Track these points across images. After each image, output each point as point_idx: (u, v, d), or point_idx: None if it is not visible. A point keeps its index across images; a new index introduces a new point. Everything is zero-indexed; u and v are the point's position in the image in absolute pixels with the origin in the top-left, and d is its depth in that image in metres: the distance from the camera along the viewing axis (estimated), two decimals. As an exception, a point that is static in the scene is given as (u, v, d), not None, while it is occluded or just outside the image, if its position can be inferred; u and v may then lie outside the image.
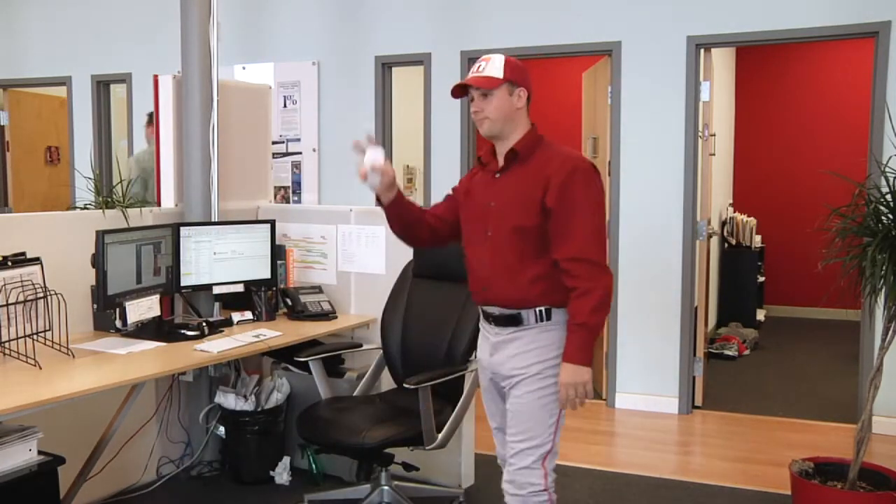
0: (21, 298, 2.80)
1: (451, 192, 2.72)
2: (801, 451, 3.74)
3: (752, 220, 7.80)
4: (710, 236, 5.18)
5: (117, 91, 6.64)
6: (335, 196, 5.77)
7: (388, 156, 5.66)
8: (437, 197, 5.43)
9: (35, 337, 2.85)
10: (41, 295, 2.86)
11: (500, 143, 2.52)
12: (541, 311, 2.42)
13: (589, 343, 2.37)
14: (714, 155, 5.44)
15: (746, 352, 6.58)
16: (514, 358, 2.46)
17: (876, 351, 3.28)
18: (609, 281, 2.39)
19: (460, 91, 2.54)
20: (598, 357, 5.36)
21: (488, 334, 2.57)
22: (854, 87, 7.55)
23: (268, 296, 3.75)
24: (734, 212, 7.91)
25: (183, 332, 3.34)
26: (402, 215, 2.58)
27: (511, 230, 2.42)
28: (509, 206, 2.44)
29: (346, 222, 3.96)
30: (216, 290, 3.68)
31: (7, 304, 2.76)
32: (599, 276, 2.36)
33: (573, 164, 2.41)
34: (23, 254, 2.92)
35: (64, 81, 6.69)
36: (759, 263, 7.82)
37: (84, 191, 4.43)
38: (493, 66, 2.45)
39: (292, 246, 4.04)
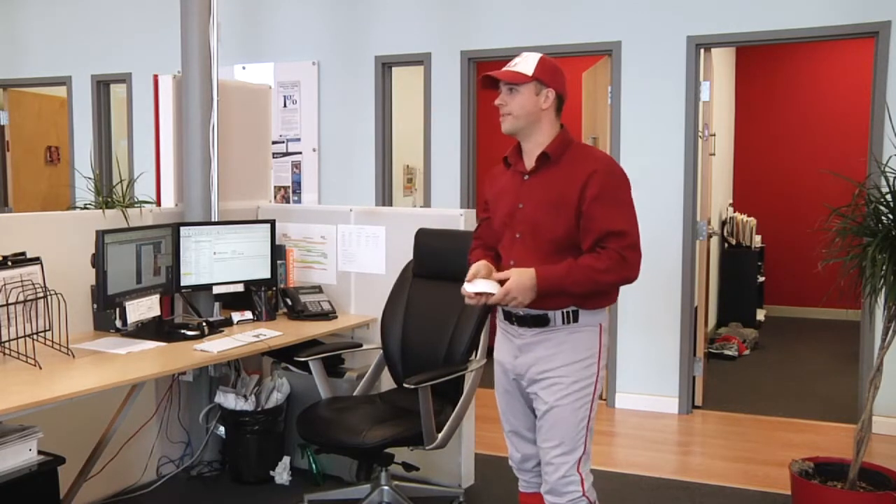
0: (21, 298, 2.80)
1: (484, 211, 2.66)
2: (801, 451, 3.74)
3: (752, 220, 7.80)
4: (710, 236, 5.18)
5: (117, 91, 6.64)
6: (335, 196, 5.77)
7: (388, 156, 5.69)
8: (437, 197, 5.44)
9: (35, 337, 2.85)
10: (41, 295, 2.86)
11: (525, 142, 2.49)
12: (568, 312, 2.40)
13: (557, 287, 2.32)
14: (714, 155, 5.44)
15: (746, 352, 6.58)
16: (542, 360, 2.44)
17: (876, 351, 3.28)
18: (637, 256, 2.35)
19: (489, 82, 2.49)
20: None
21: (511, 336, 2.53)
22: (854, 87, 7.55)
23: (268, 296, 3.74)
24: (734, 212, 7.91)
25: (183, 332, 3.34)
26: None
27: (540, 232, 2.41)
28: (539, 208, 2.41)
29: (346, 222, 3.96)
30: (216, 289, 3.68)
31: (7, 304, 2.76)
32: (628, 245, 2.33)
33: (607, 167, 2.41)
34: (23, 254, 2.92)
35: (64, 81, 6.69)
36: (759, 263, 7.81)
37: (84, 191, 4.44)
38: (525, 63, 2.42)
39: (292, 246, 4.04)
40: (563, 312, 2.40)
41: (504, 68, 2.46)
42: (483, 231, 2.68)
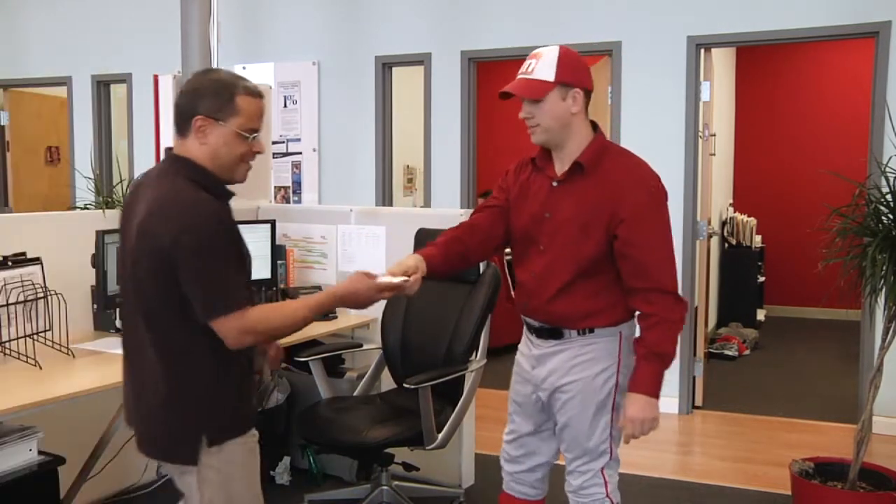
0: (21, 298, 2.80)
1: (496, 199, 2.45)
2: (801, 451, 3.74)
3: (752, 220, 7.80)
4: (710, 236, 5.18)
5: (117, 91, 6.64)
6: (335, 196, 5.77)
7: (388, 156, 5.69)
8: (437, 197, 5.44)
9: (35, 337, 2.85)
10: (41, 295, 2.86)
11: (558, 150, 2.28)
12: (586, 329, 2.30)
13: (662, 375, 2.24)
14: (714, 155, 5.44)
15: (746, 352, 6.58)
16: (556, 373, 2.34)
17: (876, 351, 3.28)
18: (684, 312, 2.25)
19: (507, 95, 2.25)
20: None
21: (531, 346, 2.44)
22: (854, 87, 7.54)
23: (268, 296, 3.74)
24: (734, 212, 7.90)
25: (183, 332, 3.33)
26: (445, 271, 2.39)
27: (568, 251, 2.24)
28: (569, 222, 2.24)
29: (346, 222, 3.96)
30: (216, 290, 3.67)
31: (7, 304, 2.76)
32: (675, 306, 2.22)
33: (646, 185, 2.24)
34: (23, 254, 2.92)
35: (64, 81, 6.69)
36: (759, 263, 7.81)
37: (84, 191, 4.44)
38: (544, 66, 2.18)
39: (292, 246, 4.04)
40: (580, 329, 2.31)
41: (520, 73, 2.23)
42: (480, 219, 2.44)
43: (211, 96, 1.92)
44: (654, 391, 2.24)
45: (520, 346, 2.53)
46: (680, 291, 2.29)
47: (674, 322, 2.23)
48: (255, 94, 1.97)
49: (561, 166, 2.29)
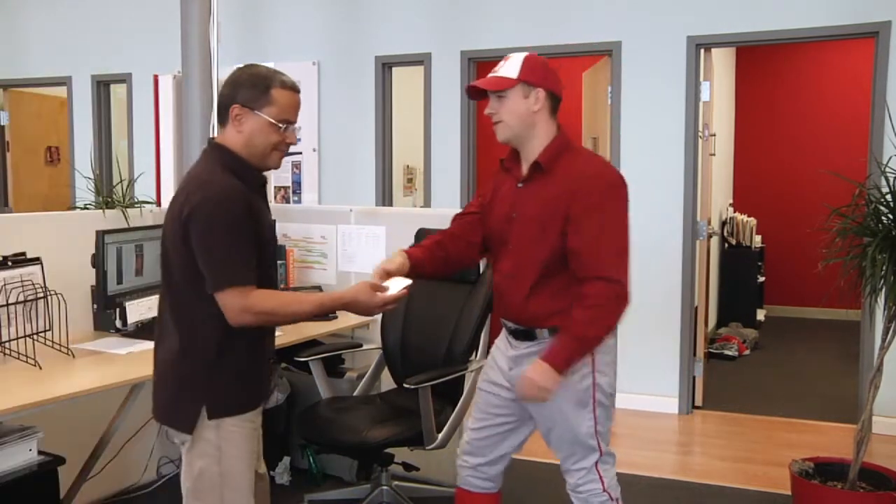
0: (21, 298, 2.80)
1: (472, 204, 2.57)
2: (801, 451, 3.74)
3: (752, 220, 7.80)
4: (710, 236, 5.18)
5: (117, 91, 6.64)
6: (335, 196, 5.77)
7: (388, 156, 5.69)
8: (437, 197, 5.44)
9: (35, 337, 2.85)
10: (41, 295, 2.86)
11: (522, 149, 2.38)
12: (554, 326, 2.33)
13: (575, 356, 2.25)
14: (714, 155, 5.44)
15: (746, 352, 6.58)
16: None
17: (876, 351, 3.28)
18: (623, 306, 2.24)
19: (475, 93, 2.38)
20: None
21: (509, 346, 2.49)
22: (854, 87, 7.55)
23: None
24: (734, 212, 7.91)
25: (183, 332, 3.33)
26: (430, 273, 2.46)
27: (530, 245, 2.31)
28: (531, 221, 2.32)
29: (346, 222, 3.96)
30: (216, 290, 3.67)
31: (7, 304, 2.76)
32: (615, 297, 2.22)
33: (600, 177, 2.29)
34: (23, 254, 2.92)
35: (64, 81, 6.69)
36: (759, 263, 7.81)
37: (84, 191, 4.43)
38: (509, 66, 2.31)
39: (292, 246, 4.04)
40: (549, 328, 2.36)
41: (490, 74, 2.36)
42: (458, 227, 2.53)
43: (248, 87, 2.08)
44: (560, 365, 2.23)
45: (497, 341, 2.59)
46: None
47: (607, 310, 2.22)
48: (291, 87, 2.11)
49: (525, 167, 2.38)
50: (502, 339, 2.56)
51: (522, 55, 2.34)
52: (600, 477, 2.40)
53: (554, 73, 2.36)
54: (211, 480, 2.08)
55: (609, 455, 2.43)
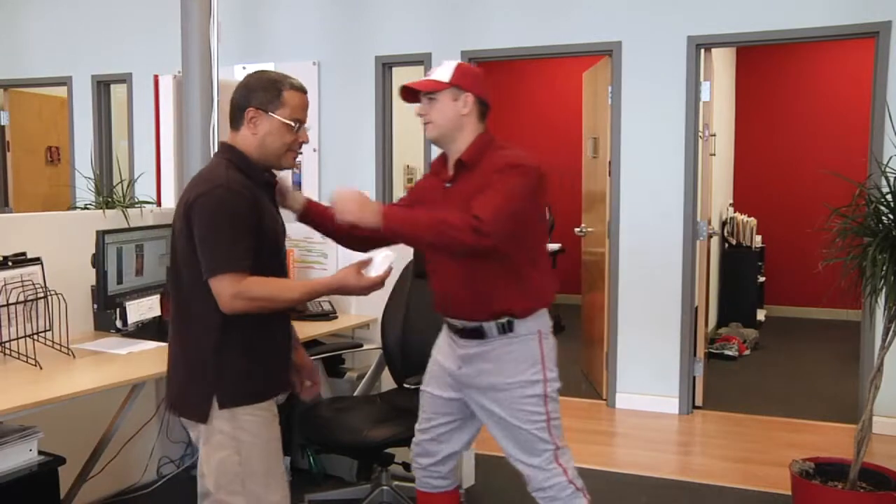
0: (21, 298, 2.80)
1: (404, 196, 2.65)
2: (801, 451, 3.74)
3: (752, 220, 7.80)
4: (710, 236, 5.18)
5: (117, 91, 6.64)
6: (335, 196, 5.76)
7: (388, 156, 5.69)
8: (437, 197, 5.43)
9: (35, 337, 2.85)
10: (41, 295, 2.86)
11: (448, 149, 2.46)
12: (502, 323, 2.38)
13: (405, 228, 2.20)
14: (714, 155, 5.45)
15: (746, 352, 6.58)
16: (485, 374, 2.44)
17: (876, 351, 3.28)
18: (471, 241, 2.16)
19: (409, 95, 2.45)
20: (597, 357, 5.36)
21: (455, 346, 2.53)
22: (854, 87, 7.55)
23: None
24: (734, 212, 7.91)
25: (183, 332, 3.34)
26: (327, 230, 2.54)
27: None
28: None
29: (346, 222, 3.96)
30: (216, 290, 3.67)
31: (7, 304, 2.76)
32: (472, 229, 2.15)
33: (513, 159, 2.32)
34: (23, 254, 2.92)
35: (64, 81, 6.69)
36: (759, 263, 7.82)
37: (84, 191, 4.43)
38: (442, 71, 2.41)
39: (292, 246, 4.04)
40: (497, 324, 2.39)
41: (423, 77, 2.45)
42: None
43: (261, 91, 2.16)
44: (388, 217, 2.17)
45: (439, 342, 2.63)
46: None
47: (459, 232, 2.15)
48: (300, 88, 2.20)
49: (452, 167, 2.46)
50: (444, 339, 2.60)
51: (455, 63, 2.43)
52: (563, 469, 2.43)
53: (484, 81, 2.46)
54: (232, 470, 2.12)
55: (566, 449, 2.47)
